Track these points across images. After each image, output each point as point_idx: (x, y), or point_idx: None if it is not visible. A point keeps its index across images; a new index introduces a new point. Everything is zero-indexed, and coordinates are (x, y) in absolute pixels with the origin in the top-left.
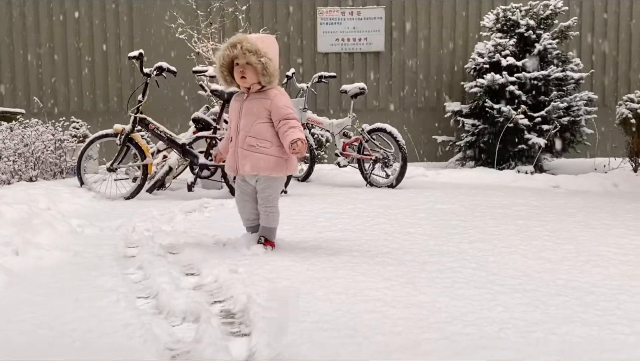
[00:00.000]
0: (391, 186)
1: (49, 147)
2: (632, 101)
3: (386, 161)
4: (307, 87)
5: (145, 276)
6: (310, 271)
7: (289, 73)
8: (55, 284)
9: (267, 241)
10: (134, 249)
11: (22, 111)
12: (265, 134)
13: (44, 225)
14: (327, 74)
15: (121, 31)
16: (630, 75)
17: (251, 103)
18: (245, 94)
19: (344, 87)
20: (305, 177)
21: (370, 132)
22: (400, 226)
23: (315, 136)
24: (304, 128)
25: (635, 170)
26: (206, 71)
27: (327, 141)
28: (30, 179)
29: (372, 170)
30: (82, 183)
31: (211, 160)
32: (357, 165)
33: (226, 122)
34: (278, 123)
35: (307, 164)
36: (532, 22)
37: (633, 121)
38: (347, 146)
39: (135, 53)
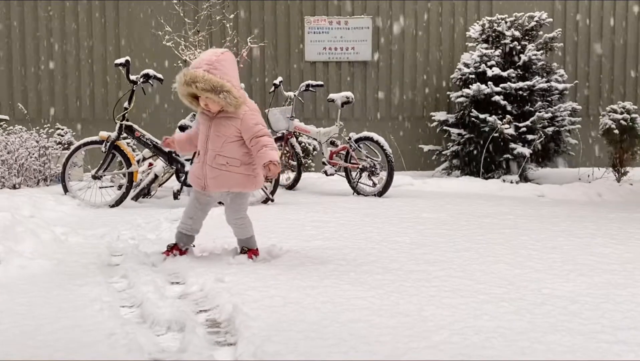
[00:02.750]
0: (378, 194)
1: (33, 154)
2: (615, 111)
3: (373, 169)
4: (295, 95)
5: (129, 285)
6: (297, 280)
7: (277, 81)
8: (38, 293)
9: (250, 251)
10: (119, 257)
11: (6, 117)
12: (235, 153)
13: (27, 233)
14: (314, 82)
15: (107, 38)
16: (614, 86)
17: (220, 122)
18: None
19: (331, 95)
20: (292, 186)
21: (357, 141)
22: (387, 234)
23: (303, 144)
24: (292, 137)
25: (618, 180)
26: None
27: (314, 149)
28: (14, 187)
29: (359, 179)
30: (66, 191)
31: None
32: (344, 174)
33: None
34: (250, 141)
35: (294, 173)
36: (517, 34)
37: (616, 131)
38: (335, 155)
39: (121, 60)
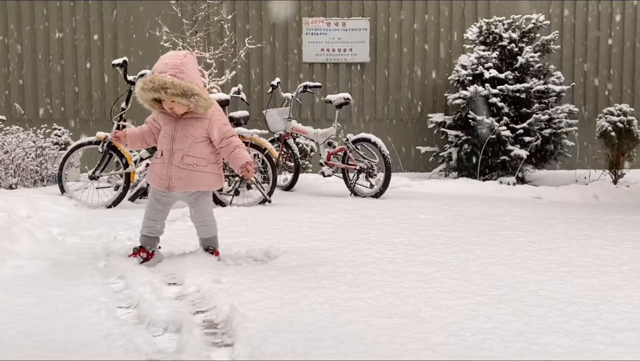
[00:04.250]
0: (375, 196)
1: (30, 154)
2: (612, 114)
3: (370, 171)
4: (292, 96)
5: (126, 285)
6: (294, 281)
7: (275, 82)
8: (34, 293)
9: (215, 250)
10: (116, 258)
11: (3, 117)
12: (203, 153)
13: (23, 233)
14: (312, 83)
15: (105, 38)
16: (611, 88)
17: (188, 122)
18: None
19: (329, 97)
20: (289, 187)
21: (354, 142)
22: (384, 236)
23: (300, 145)
24: (289, 138)
25: (615, 182)
26: None
27: (311, 150)
28: (10, 187)
29: (356, 180)
30: (63, 191)
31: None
32: (341, 175)
33: None
34: (219, 142)
35: (292, 174)
36: (514, 36)
37: (613, 133)
38: (332, 156)
39: (119, 60)
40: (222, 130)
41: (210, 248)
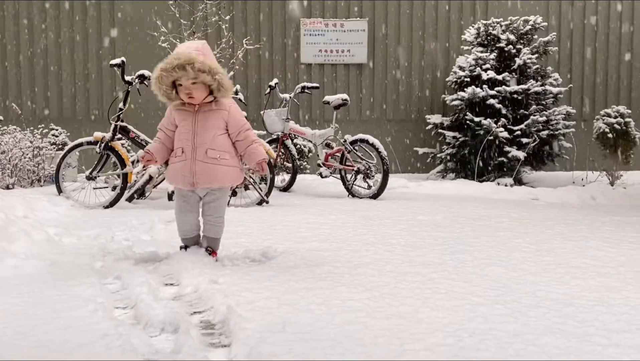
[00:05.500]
0: (373, 197)
1: (27, 154)
2: (609, 115)
3: (368, 172)
4: (290, 97)
5: (123, 285)
6: (292, 282)
7: (272, 83)
8: (31, 293)
9: (214, 252)
10: (113, 258)
11: (0, 117)
12: (225, 146)
13: (20, 233)
14: (310, 84)
15: (103, 38)
16: (608, 90)
17: (206, 115)
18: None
19: (327, 98)
20: (287, 188)
21: (352, 143)
22: (382, 236)
23: (298, 146)
24: (287, 138)
25: (612, 183)
26: None
27: (309, 151)
28: (7, 187)
29: (354, 181)
30: (60, 191)
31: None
32: (339, 176)
33: None
34: (236, 135)
35: (289, 175)
36: (512, 37)
37: (610, 135)
38: (330, 157)
39: (117, 61)
40: (240, 122)
41: (209, 248)
